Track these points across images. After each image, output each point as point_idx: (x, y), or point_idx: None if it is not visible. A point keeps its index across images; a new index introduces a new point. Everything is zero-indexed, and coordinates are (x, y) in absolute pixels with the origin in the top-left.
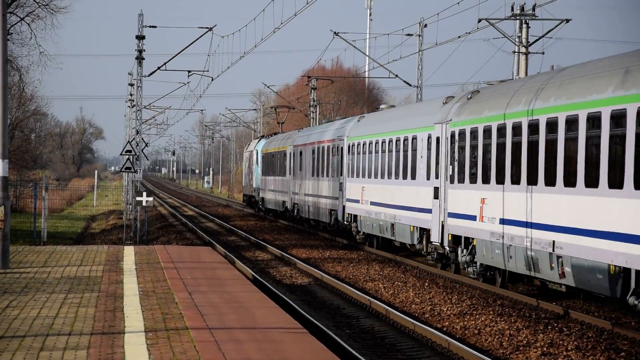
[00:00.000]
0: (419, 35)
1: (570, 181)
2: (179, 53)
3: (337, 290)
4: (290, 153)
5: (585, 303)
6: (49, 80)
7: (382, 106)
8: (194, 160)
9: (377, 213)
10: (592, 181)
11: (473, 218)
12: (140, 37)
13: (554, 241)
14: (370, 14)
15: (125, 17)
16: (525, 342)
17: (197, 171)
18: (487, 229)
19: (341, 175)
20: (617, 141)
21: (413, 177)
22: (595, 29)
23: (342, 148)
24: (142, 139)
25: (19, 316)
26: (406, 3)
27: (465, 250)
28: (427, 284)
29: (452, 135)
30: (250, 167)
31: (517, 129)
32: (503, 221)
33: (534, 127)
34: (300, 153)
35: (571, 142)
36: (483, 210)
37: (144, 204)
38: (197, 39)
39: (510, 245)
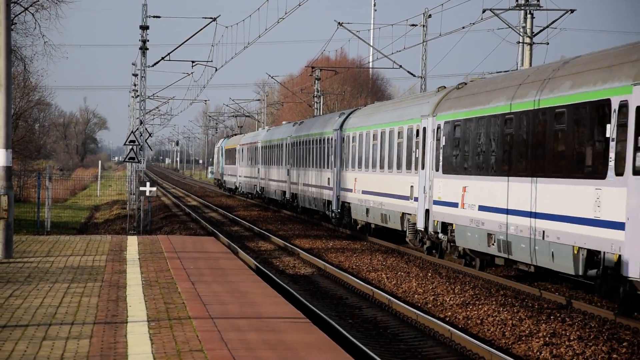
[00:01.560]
0: (423, 26)
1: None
2: (182, 43)
3: (340, 280)
4: (257, 147)
5: (588, 294)
6: (53, 70)
7: (376, 103)
8: (197, 150)
9: (368, 201)
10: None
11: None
12: (144, 27)
13: (530, 226)
14: (374, 5)
15: (129, 7)
16: (527, 332)
17: (200, 161)
18: (467, 216)
19: (334, 166)
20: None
21: (399, 167)
22: (601, 20)
23: (335, 139)
24: (146, 129)
25: (22, 305)
26: None
27: (446, 236)
28: (430, 274)
29: (438, 128)
30: (218, 159)
31: (492, 122)
32: (481, 208)
33: (510, 121)
34: (256, 149)
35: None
36: (464, 198)
37: (147, 194)
38: (201, 29)
39: (489, 231)
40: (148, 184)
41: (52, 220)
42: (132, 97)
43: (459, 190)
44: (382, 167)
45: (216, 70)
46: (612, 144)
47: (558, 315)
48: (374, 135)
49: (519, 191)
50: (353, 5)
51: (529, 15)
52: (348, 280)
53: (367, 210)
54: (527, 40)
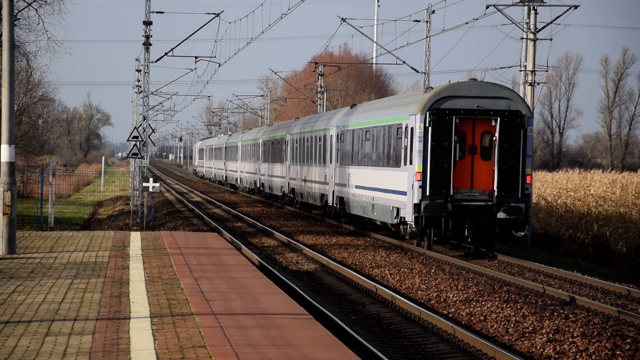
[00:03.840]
0: (427, 22)
1: (364, 161)
2: (186, 39)
3: (343, 276)
4: (218, 148)
5: (592, 290)
6: (56, 66)
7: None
8: None
9: (305, 186)
10: (387, 162)
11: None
12: (148, 23)
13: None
14: (377, 0)
15: (132, 2)
16: (531, 328)
17: None
18: (351, 192)
19: (330, 162)
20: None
21: (321, 162)
22: (604, 15)
23: (332, 136)
24: (149, 125)
25: (24, 301)
26: None
27: (342, 207)
28: (433, 271)
29: (337, 134)
30: (199, 155)
31: (357, 132)
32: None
33: (367, 132)
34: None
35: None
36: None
37: (150, 189)
38: (205, 24)
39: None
40: (151, 180)
41: (56, 216)
42: (136, 92)
43: (347, 175)
44: (314, 162)
45: (219, 65)
46: (404, 149)
47: (561, 311)
48: (307, 138)
49: (372, 175)
50: (356, 1)
51: (532, 11)
52: (351, 276)
53: (301, 192)
54: (531, 36)
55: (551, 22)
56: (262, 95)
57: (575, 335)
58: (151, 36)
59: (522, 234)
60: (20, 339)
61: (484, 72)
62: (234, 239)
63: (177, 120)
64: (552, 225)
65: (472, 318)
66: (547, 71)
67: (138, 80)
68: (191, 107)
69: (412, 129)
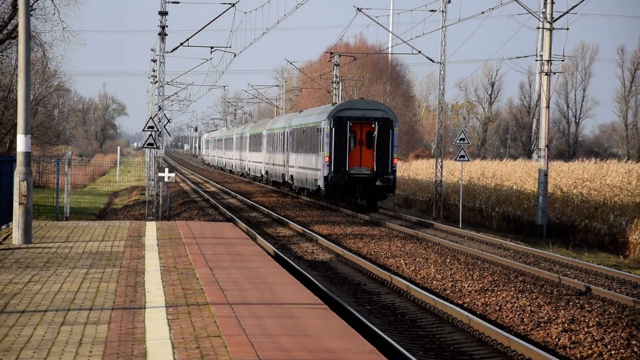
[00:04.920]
0: (443, 11)
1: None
2: (201, 29)
3: (358, 266)
4: (220, 139)
5: (607, 279)
6: (72, 56)
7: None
8: None
9: (300, 172)
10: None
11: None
12: (163, 13)
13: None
14: None
15: None
16: (546, 318)
17: None
18: (296, 170)
19: (286, 151)
20: (276, 140)
21: (313, 151)
22: (620, 4)
23: (288, 132)
24: (165, 115)
25: (40, 291)
26: None
27: (292, 182)
28: (448, 260)
29: (289, 132)
30: (206, 146)
31: (296, 131)
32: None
33: (301, 131)
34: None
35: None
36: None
37: (166, 179)
38: (220, 14)
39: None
40: (167, 170)
41: (71, 206)
42: (151, 82)
43: (294, 159)
44: (278, 151)
45: (235, 56)
46: (320, 141)
47: (577, 301)
48: (274, 134)
49: (300, 158)
50: None
51: (549, 1)
52: (366, 266)
53: (272, 173)
54: (547, 25)
55: (567, 12)
56: (277, 86)
57: (590, 325)
58: (167, 26)
59: (392, 195)
60: (37, 328)
61: (500, 61)
62: (249, 228)
63: (193, 111)
64: (567, 215)
65: (488, 308)
66: (563, 61)
67: (154, 71)
68: (206, 97)
69: (323, 129)
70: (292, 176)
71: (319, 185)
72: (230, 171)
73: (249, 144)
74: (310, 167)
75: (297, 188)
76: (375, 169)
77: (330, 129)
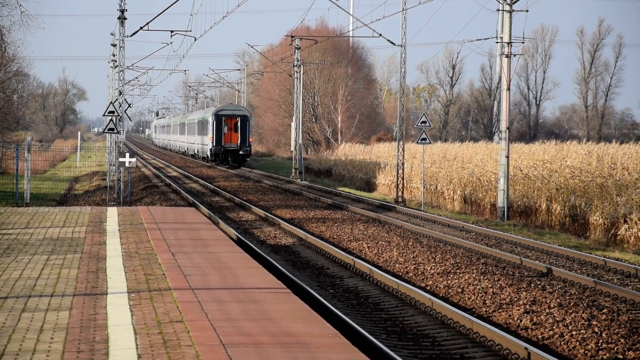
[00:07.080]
0: None
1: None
2: (161, 13)
3: (321, 250)
4: (167, 125)
5: (568, 261)
6: (31, 41)
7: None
8: None
9: (199, 147)
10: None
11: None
12: None
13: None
14: None
15: None
16: (508, 300)
17: None
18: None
19: (186, 134)
20: (194, 128)
21: (202, 133)
22: None
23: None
24: (125, 99)
25: (0, 277)
26: None
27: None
28: (410, 243)
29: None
30: (154, 130)
31: (197, 122)
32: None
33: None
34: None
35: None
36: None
37: (127, 164)
38: None
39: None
40: (128, 155)
41: (31, 191)
42: (111, 67)
43: (188, 139)
44: (185, 134)
45: (195, 40)
46: (207, 128)
47: (538, 283)
48: (184, 123)
49: (198, 139)
50: None
51: None
52: (329, 250)
53: (184, 147)
54: (507, 7)
55: None
56: (238, 70)
57: (552, 306)
58: (126, 10)
59: (248, 159)
60: None
61: (461, 44)
62: (212, 213)
63: (154, 95)
64: (528, 197)
65: (450, 290)
66: (523, 42)
67: (113, 55)
68: (167, 81)
69: (208, 121)
70: (196, 149)
71: (207, 155)
72: (165, 147)
73: (179, 129)
74: (204, 143)
75: (199, 157)
76: (239, 144)
77: (213, 121)
